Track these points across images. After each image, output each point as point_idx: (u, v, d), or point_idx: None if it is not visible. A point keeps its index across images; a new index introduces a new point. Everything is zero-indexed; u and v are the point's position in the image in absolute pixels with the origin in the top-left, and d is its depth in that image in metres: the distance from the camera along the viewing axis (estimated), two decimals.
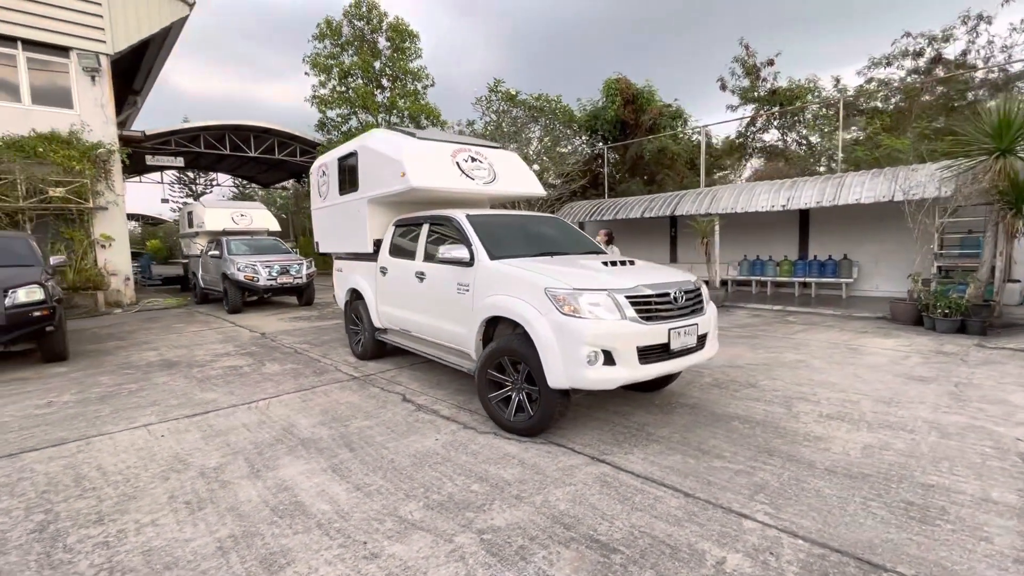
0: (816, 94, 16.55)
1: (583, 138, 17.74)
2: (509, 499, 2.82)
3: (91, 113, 12.09)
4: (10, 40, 11.19)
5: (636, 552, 2.31)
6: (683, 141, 16.37)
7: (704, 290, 4.07)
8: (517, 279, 3.70)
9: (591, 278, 3.53)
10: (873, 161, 12.35)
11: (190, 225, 14.52)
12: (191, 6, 13.52)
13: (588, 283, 3.43)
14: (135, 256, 29.20)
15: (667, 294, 3.57)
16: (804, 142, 17.14)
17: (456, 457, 3.38)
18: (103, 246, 12.17)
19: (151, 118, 33.73)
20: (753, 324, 8.22)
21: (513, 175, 5.76)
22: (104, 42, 12.13)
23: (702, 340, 3.79)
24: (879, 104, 16.17)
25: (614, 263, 4.02)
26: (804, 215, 11.64)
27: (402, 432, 3.85)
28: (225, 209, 13.82)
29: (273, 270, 10.89)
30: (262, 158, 26.86)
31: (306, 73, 23.10)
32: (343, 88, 23.03)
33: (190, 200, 47.44)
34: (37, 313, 5.89)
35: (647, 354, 3.40)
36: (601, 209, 13.34)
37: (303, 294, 11.82)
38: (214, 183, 45.67)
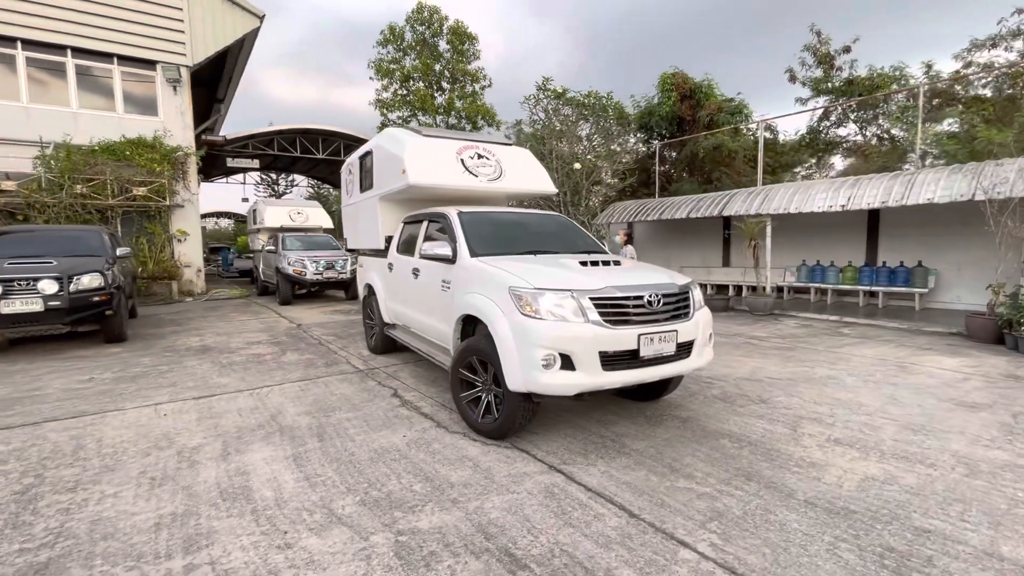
0: (902, 83, 14.89)
1: (635, 136, 17.14)
2: (444, 502, 2.74)
3: (172, 120, 13.37)
4: (107, 56, 12.62)
5: (546, 571, 2.15)
6: (743, 138, 15.34)
7: (697, 294, 3.76)
8: (488, 277, 3.60)
9: (559, 278, 3.36)
10: (968, 157, 10.91)
11: (254, 222, 15.66)
12: (261, 19, 14.56)
13: (552, 283, 3.26)
14: (216, 250, 31.96)
15: (639, 297, 3.31)
16: (886, 136, 15.49)
17: (414, 455, 3.35)
18: (179, 240, 13.42)
19: (246, 123, 36.60)
20: (797, 335, 7.52)
21: (522, 172, 5.65)
22: (184, 55, 13.36)
23: (685, 348, 3.50)
24: (981, 92, 14.26)
25: (596, 263, 3.80)
26: (873, 217, 10.50)
27: (376, 426, 3.88)
28: (283, 207, 14.76)
29: (320, 265, 11.46)
30: (331, 159, 28.47)
31: (371, 78, 24.14)
32: (404, 91, 23.84)
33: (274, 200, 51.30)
34: (96, 298, 6.58)
35: (612, 360, 3.18)
36: (647, 209, 12.82)
37: (348, 288, 12.36)
38: (293, 184, 49.11)
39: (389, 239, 5.83)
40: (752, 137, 16.30)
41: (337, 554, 2.29)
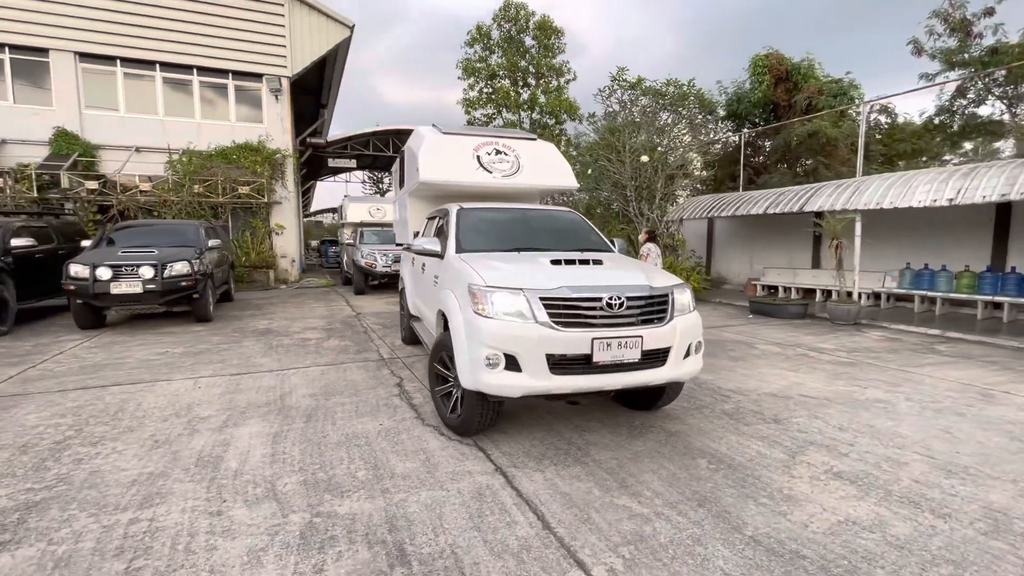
0: None
1: (718, 124, 15.88)
2: (375, 491, 2.82)
3: (274, 125, 14.98)
4: (224, 72, 14.46)
5: (423, 571, 2.14)
6: (847, 123, 13.50)
7: (683, 299, 3.43)
8: (457, 272, 3.61)
9: (518, 276, 3.27)
10: None
11: (341, 218, 17.04)
12: (351, 28, 15.72)
13: (507, 281, 3.18)
14: (332, 243, 35.13)
15: (596, 299, 3.11)
16: None
17: (377, 443, 3.48)
18: (277, 233, 15.03)
19: (361, 125, 39.68)
20: (871, 350, 6.53)
21: (541, 168, 5.54)
22: (285, 67, 14.88)
23: (656, 356, 3.22)
24: None
25: (572, 261, 3.63)
26: (1003, 213, 8.72)
27: (363, 413, 4.08)
28: (364, 204, 15.88)
29: (389, 258, 12.18)
30: None
31: (459, 78, 24.95)
32: (489, 89, 24.34)
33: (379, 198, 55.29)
34: (184, 283, 7.63)
35: (563, 364, 3.03)
36: (723, 204, 11.86)
37: None
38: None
39: (416, 234, 6.05)
40: (868, 122, 14.30)
41: (252, 527, 2.47)
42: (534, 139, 5.94)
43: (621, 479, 2.98)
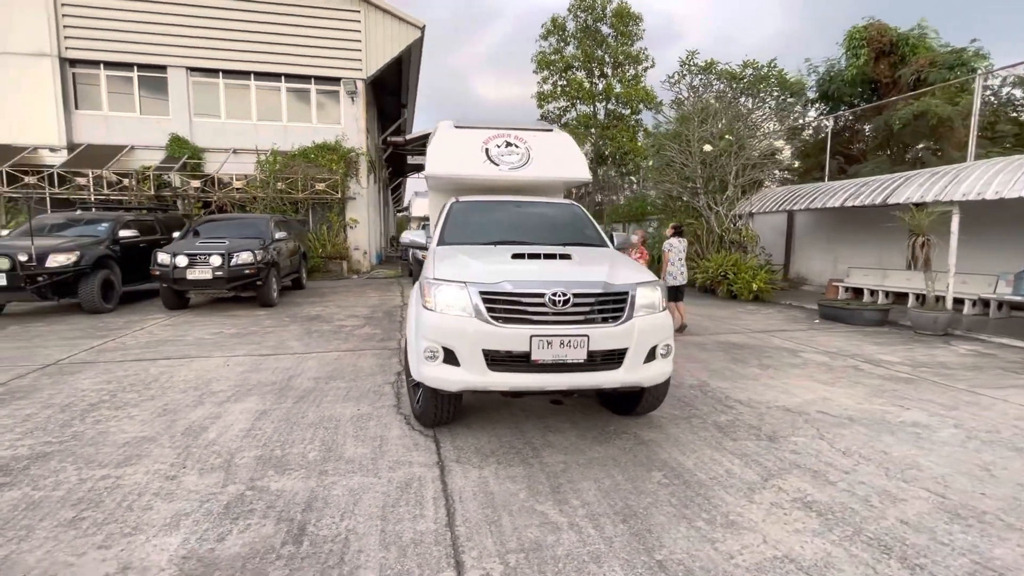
0: None
1: (806, 107, 14.31)
2: (314, 472, 2.96)
3: (350, 126, 16.01)
4: (307, 78, 15.71)
5: (309, 551, 2.22)
6: (965, 100, 11.48)
7: (642, 297, 3.17)
8: (426, 265, 3.64)
9: (468, 270, 3.22)
10: None
11: (409, 212, 17.83)
12: (421, 29, 16.31)
13: (455, 275, 3.15)
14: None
15: (539, 295, 2.96)
16: None
17: (345, 427, 3.63)
18: (350, 227, 16.10)
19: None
20: (946, 365, 5.56)
21: (552, 160, 5.38)
22: (360, 70, 15.81)
23: (608, 357, 3.01)
24: None
25: (537, 256, 3.49)
26: None
27: (350, 398, 4.28)
28: (427, 199, 16.45)
29: None
30: None
31: (533, 72, 24.88)
32: (563, 82, 24.02)
33: None
34: (248, 271, 8.46)
35: (501, 361, 2.95)
36: (795, 197, 10.71)
37: None
38: None
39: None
40: (992, 98, 12.16)
41: (192, 493, 2.71)
42: (550, 130, 5.78)
43: (556, 484, 2.85)
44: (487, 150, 5.35)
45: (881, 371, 5.27)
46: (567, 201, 4.90)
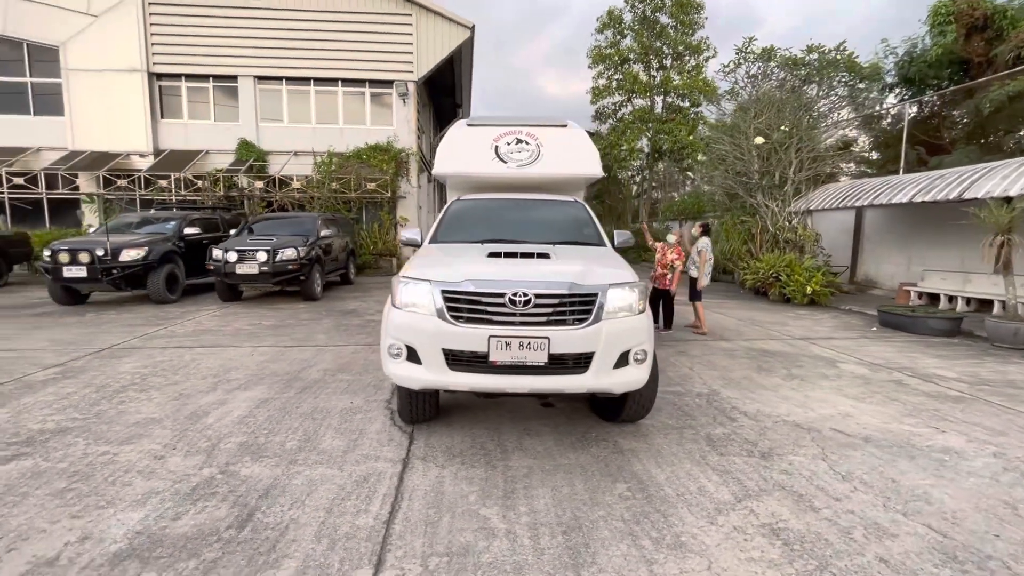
0: None
1: (884, 93, 12.98)
2: (284, 461, 3.08)
3: (401, 127, 16.53)
4: (362, 82, 16.39)
5: (248, 535, 2.31)
6: None
7: (614, 299, 3.01)
8: (406, 264, 3.67)
9: (439, 268, 3.20)
10: None
11: None
12: (471, 29, 16.51)
13: (423, 273, 3.15)
14: None
15: (499, 295, 2.89)
16: None
17: (332, 419, 3.76)
18: (401, 225, 16.63)
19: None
20: (1015, 383, 4.84)
21: (563, 156, 5.24)
22: (411, 72, 16.26)
23: (574, 361, 2.89)
24: None
25: (513, 254, 3.41)
26: None
27: (348, 391, 4.42)
28: None
29: None
30: None
31: (588, 67, 24.45)
32: (619, 76, 23.40)
33: None
34: (291, 267, 8.98)
35: (462, 361, 2.91)
36: (858, 193, 9.76)
37: None
38: None
39: None
40: None
41: (170, 474, 2.91)
42: (564, 125, 5.63)
43: (512, 489, 2.78)
44: (496, 148, 5.31)
45: (929, 387, 4.68)
46: (570, 199, 4.75)
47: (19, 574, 2.05)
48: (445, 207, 4.61)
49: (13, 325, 7.05)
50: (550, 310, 2.92)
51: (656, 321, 7.20)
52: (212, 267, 8.95)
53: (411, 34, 16.07)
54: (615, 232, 4.36)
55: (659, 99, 23.90)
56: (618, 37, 23.73)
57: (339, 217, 13.04)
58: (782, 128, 10.88)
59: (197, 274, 10.02)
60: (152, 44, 15.31)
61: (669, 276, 6.90)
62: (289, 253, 9.00)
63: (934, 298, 9.66)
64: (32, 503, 2.58)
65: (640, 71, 23.40)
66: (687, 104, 22.90)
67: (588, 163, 5.22)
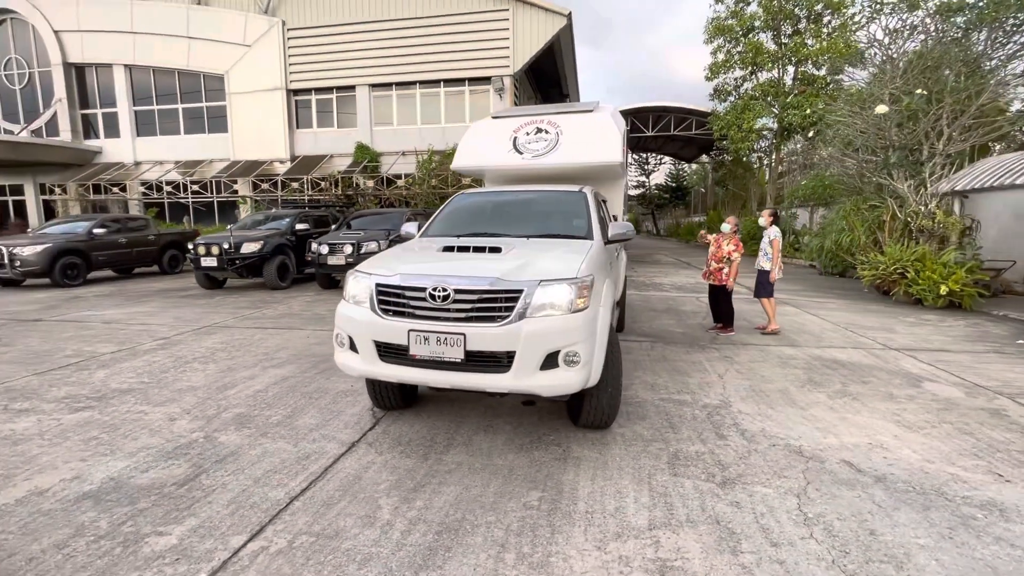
0: None
1: None
2: (258, 432, 3.47)
3: None
4: (462, 81, 17.12)
5: (178, 492, 2.68)
6: None
7: (543, 297, 2.81)
8: None
9: (387, 262, 3.30)
10: None
11: None
12: (567, 16, 16.24)
13: (371, 267, 3.27)
14: None
15: (421, 289, 2.87)
16: None
17: (326, 399, 4.11)
18: None
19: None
20: None
21: (581, 144, 4.98)
22: (508, 67, 16.55)
23: (494, 359, 2.78)
24: None
25: (467, 248, 3.36)
26: None
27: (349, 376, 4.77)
28: None
29: None
30: (676, 136, 28.41)
31: (704, 42, 22.39)
32: (740, 48, 21.05)
33: (644, 179, 54.98)
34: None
35: (389, 353, 2.98)
36: (1010, 169, 7.61)
37: None
38: (661, 162, 51.24)
39: None
40: None
41: (171, 433, 3.46)
42: (590, 111, 5.32)
43: (424, 483, 2.80)
44: (515, 139, 5.24)
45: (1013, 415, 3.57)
46: (575, 189, 4.48)
47: (15, 497, 2.65)
48: (447, 201, 4.69)
49: (160, 304, 8.83)
50: (469, 306, 2.85)
51: (716, 321, 6.51)
52: (310, 258, 10.19)
53: (508, 28, 16.33)
54: (610, 224, 4.04)
55: (790, 68, 21.02)
56: (740, 5, 21.33)
57: (430, 212, 13.86)
58: (919, 91, 8.89)
59: (308, 264, 11.47)
60: (289, 65, 17.72)
61: (725, 270, 6.15)
62: (372, 246, 9.83)
63: None
64: (67, 445, 3.27)
65: (767, 39, 20.79)
66: (824, 72, 19.78)
67: (605, 150, 4.91)
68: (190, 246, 10.27)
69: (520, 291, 2.83)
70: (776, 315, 6.58)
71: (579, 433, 3.44)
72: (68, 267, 11.26)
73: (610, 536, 2.31)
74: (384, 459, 3.09)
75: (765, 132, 21.13)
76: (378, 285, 3.08)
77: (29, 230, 13.27)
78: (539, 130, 5.23)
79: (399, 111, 17.70)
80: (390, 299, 3.03)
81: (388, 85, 17.50)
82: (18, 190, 20.72)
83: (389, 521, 2.44)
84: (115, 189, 19.05)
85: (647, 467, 2.96)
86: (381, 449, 3.22)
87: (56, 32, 19.02)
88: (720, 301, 6.33)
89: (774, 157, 22.52)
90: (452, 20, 16.54)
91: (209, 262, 10.04)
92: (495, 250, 3.36)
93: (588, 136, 5.04)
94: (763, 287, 6.38)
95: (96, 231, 12.02)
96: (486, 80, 16.93)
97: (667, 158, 46.71)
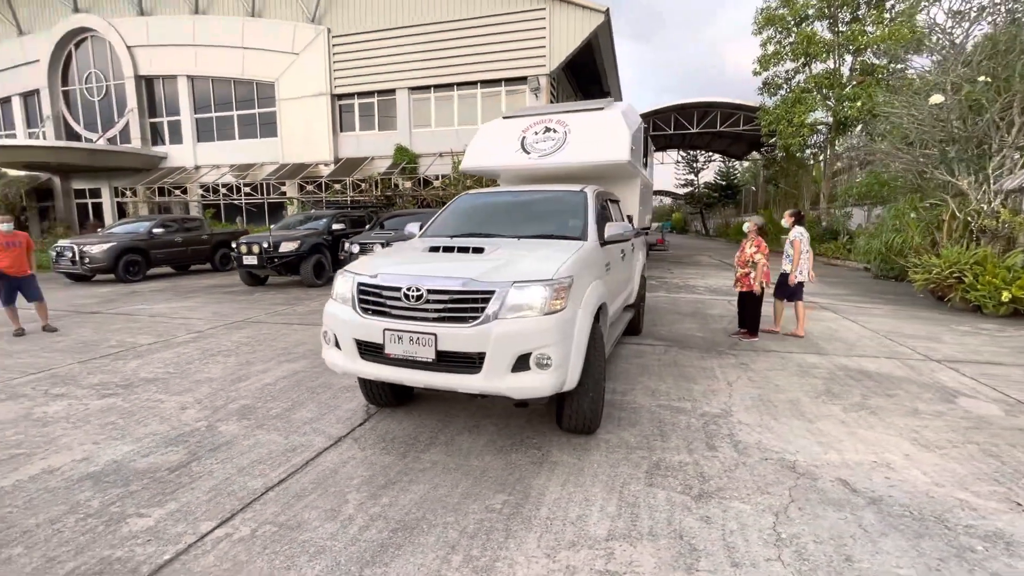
0: None
1: None
2: (255, 423, 3.64)
3: None
4: (498, 82, 17.20)
5: (168, 476, 2.85)
6: None
7: (516, 298, 2.77)
8: None
9: (373, 262, 3.36)
10: None
11: None
12: (605, 12, 15.97)
13: (357, 266, 3.34)
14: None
15: (396, 289, 2.90)
16: None
17: (330, 393, 4.25)
18: None
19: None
20: None
21: (588, 142, 4.89)
22: (544, 66, 16.49)
23: (465, 360, 2.78)
24: None
25: (451, 249, 3.37)
26: None
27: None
28: None
29: None
30: (724, 132, 27.41)
31: (753, 34, 21.38)
32: (791, 39, 19.97)
33: (692, 177, 53.36)
34: None
35: (368, 351, 3.04)
36: None
37: None
38: (711, 159, 49.55)
39: None
40: None
41: (178, 422, 3.68)
42: (600, 108, 5.21)
43: (396, 480, 2.84)
44: (523, 139, 5.22)
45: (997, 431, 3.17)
46: (576, 189, 4.38)
47: (29, 475, 2.91)
48: (449, 202, 4.73)
49: (204, 299, 9.41)
50: (441, 306, 2.86)
51: (741, 326, 6.23)
52: (342, 257, 10.55)
53: (544, 27, 16.27)
54: (607, 224, 3.93)
55: (848, 58, 19.73)
56: None
57: None
58: (982, 79, 8.12)
59: (343, 263, 11.89)
60: (334, 71, 18.41)
61: (752, 274, 5.86)
62: None
63: None
64: (86, 428, 3.55)
65: (821, 29, 19.61)
66: (886, 61, 18.43)
67: (611, 148, 4.80)
68: (233, 244, 10.88)
69: (491, 292, 2.82)
70: (806, 320, 6.21)
71: (563, 437, 3.38)
72: (130, 264, 12.22)
73: (564, 544, 2.26)
74: (365, 455, 3.15)
75: (819, 127, 19.93)
76: (359, 284, 3.16)
77: (99, 230, 14.50)
78: (548, 129, 5.17)
79: (437, 113, 18.02)
80: (369, 298, 3.10)
81: (427, 88, 17.85)
82: (96, 193, 22.68)
83: (351, 516, 2.49)
84: (177, 192, 20.49)
85: (623, 475, 2.87)
86: (364, 445, 3.29)
87: (129, 47, 20.67)
88: (747, 305, 6.05)
89: (828, 153, 21.23)
90: (489, 21, 16.65)
91: (250, 260, 10.60)
92: (478, 251, 3.36)
93: (595, 134, 4.94)
94: (781, 288, 6.12)
95: (155, 231, 12.98)
96: (522, 80, 16.93)
97: (716, 156, 45.06)
